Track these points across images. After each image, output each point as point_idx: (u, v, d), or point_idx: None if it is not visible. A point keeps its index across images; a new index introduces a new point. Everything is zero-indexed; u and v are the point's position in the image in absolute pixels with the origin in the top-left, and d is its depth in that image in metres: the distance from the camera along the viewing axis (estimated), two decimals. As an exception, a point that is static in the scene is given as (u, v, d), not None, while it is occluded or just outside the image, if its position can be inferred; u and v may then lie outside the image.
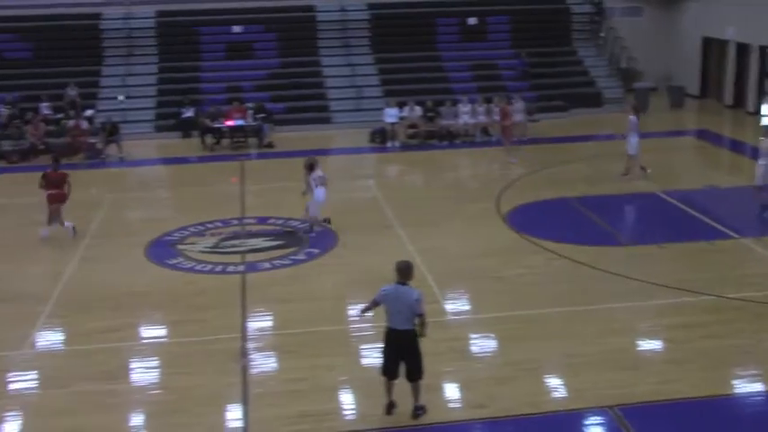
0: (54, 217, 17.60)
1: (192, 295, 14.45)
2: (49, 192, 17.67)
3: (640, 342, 12.53)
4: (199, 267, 15.82)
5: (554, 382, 11.31)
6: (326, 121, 29.65)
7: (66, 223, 17.70)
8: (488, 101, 27.42)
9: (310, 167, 17.56)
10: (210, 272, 15.62)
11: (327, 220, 17.76)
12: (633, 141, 20.93)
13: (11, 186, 23.30)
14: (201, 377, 11.46)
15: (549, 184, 21.13)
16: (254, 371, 11.69)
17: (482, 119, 27.27)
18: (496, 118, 26.93)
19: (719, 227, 17.39)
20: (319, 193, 17.36)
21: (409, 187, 23.01)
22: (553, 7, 34.30)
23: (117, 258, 16.44)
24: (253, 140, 27.14)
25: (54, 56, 31.02)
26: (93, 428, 10.25)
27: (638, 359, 12.02)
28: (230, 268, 15.78)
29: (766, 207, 18.47)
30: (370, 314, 10.41)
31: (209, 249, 16.86)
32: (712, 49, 33.05)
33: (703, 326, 12.76)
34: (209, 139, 26.94)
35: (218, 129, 26.97)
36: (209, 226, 18.28)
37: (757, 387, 11.13)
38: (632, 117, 21.16)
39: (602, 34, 34.08)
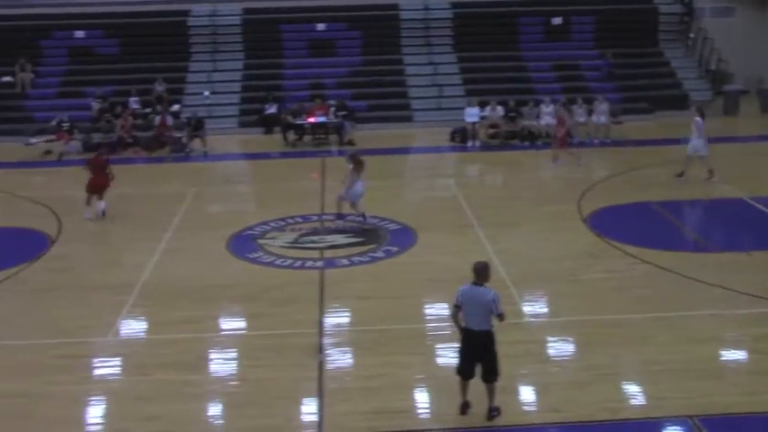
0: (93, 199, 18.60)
1: (271, 289, 14.63)
2: (91, 177, 18.52)
3: (724, 352, 12.19)
4: (278, 262, 16.02)
5: (632, 388, 11.08)
6: (407, 119, 29.69)
7: (101, 203, 18.48)
8: (571, 102, 27.06)
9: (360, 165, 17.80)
10: (290, 267, 15.79)
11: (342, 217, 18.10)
12: (695, 143, 20.72)
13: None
14: (278, 370, 11.59)
15: (632, 188, 20.75)
16: (329, 366, 11.77)
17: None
18: (580, 119, 26.63)
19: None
20: (360, 185, 17.74)
21: (489, 187, 22.91)
22: (640, 7, 33.65)
23: (199, 251, 16.75)
24: (334, 137, 27.35)
25: (143, 51, 31.78)
26: (171, 416, 10.46)
27: (721, 369, 11.70)
28: (309, 264, 15.94)
29: None
30: (463, 323, 10.17)
31: (288, 244, 17.05)
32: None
33: (791, 337, 12.37)
34: (291, 136, 27.25)
35: (300, 125, 27.25)
36: (290, 221, 18.49)
37: None
38: (698, 119, 20.90)
39: (691, 35, 33.27)
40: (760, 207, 18.77)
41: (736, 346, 12.34)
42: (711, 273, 14.84)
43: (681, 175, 20.96)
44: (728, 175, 20.99)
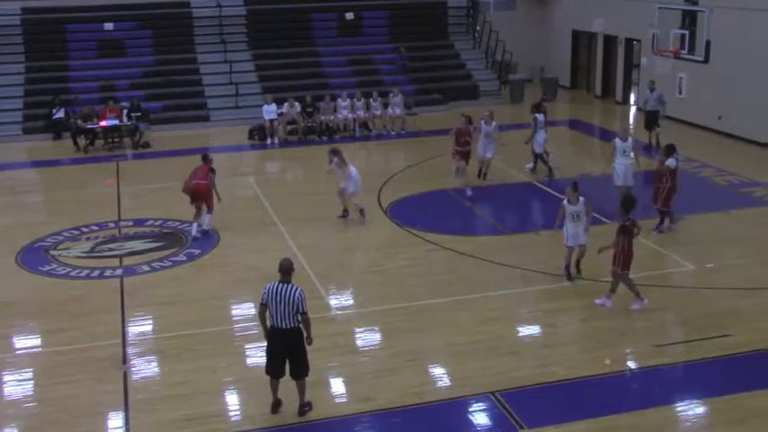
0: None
1: (68, 302, 13.97)
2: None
3: (520, 328, 12.86)
4: (74, 273, 15.31)
5: (438, 371, 11.48)
6: (205, 119, 29.13)
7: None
8: (367, 96, 27.52)
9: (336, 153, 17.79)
10: (87, 277, 15.13)
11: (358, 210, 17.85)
12: (540, 139, 21.08)
13: None
14: (80, 386, 11.12)
15: (430, 177, 21.34)
16: (135, 377, 11.41)
17: (360, 114, 27.33)
18: (376, 113, 27.12)
19: (595, 214, 17.87)
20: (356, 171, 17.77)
21: (290, 183, 22.91)
22: (429, 1, 34.67)
23: (-15, 267, 15.73)
24: (128, 140, 26.42)
25: None
26: (-36, 446, 9.80)
27: (519, 345, 12.32)
28: (108, 272, 15.33)
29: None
30: (270, 322, 10.09)
31: (84, 254, 16.33)
32: (582, 41, 34.13)
33: (581, 309, 13.20)
34: (82, 141, 26.06)
35: (92, 129, 26.12)
36: (85, 230, 17.70)
37: (631, 365, 11.59)
38: (538, 115, 21.06)
39: (477, 28, 34.66)
40: (548, 190, 19.85)
41: (530, 322, 13.04)
42: (506, 254, 15.58)
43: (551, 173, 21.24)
44: (519, 161, 22.00)
